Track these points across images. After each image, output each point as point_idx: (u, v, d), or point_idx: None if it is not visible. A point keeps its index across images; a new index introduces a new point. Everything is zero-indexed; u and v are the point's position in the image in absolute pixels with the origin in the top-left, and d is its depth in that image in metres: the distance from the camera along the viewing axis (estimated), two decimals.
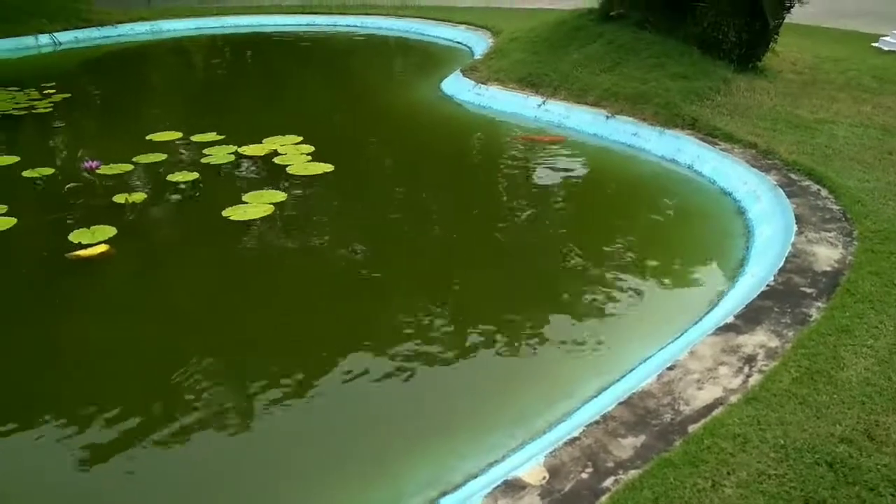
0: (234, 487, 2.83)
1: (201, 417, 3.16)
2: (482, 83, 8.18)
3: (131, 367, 3.56)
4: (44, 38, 11.80)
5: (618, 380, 3.23)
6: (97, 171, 5.69)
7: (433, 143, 7.12)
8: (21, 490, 2.84)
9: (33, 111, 7.90)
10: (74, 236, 4.73)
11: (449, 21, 12.51)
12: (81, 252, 4.57)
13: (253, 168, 6.15)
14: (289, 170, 5.98)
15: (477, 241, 4.95)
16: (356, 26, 13.18)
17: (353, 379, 3.43)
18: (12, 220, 5.02)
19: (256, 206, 5.24)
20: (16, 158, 6.27)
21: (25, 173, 5.92)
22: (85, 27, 12.35)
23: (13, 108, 7.96)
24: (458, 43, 11.36)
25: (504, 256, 4.71)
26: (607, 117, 6.81)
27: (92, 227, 4.84)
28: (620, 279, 4.26)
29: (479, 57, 9.47)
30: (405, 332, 3.77)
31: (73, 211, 5.24)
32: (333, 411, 3.27)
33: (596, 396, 3.12)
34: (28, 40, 11.66)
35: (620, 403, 2.90)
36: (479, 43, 10.63)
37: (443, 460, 2.89)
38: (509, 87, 7.92)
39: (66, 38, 11.98)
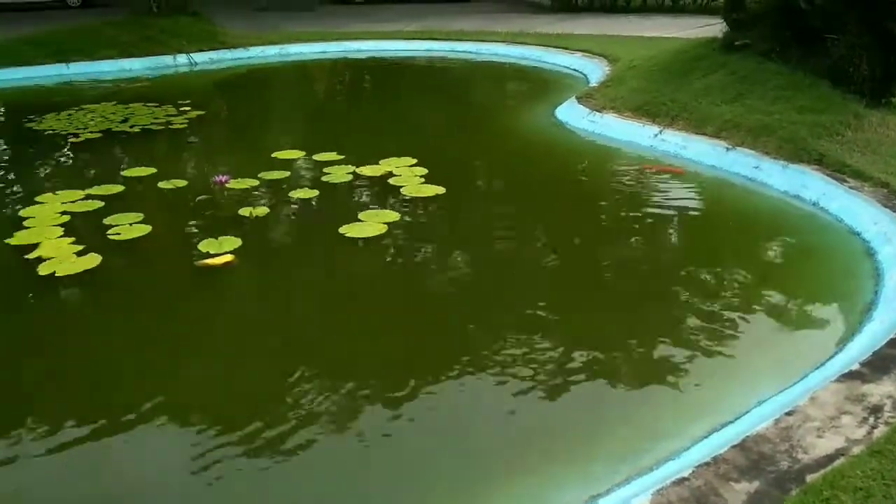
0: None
1: (304, 427, 3.27)
2: (597, 111, 8.13)
3: (247, 372, 3.74)
4: (182, 59, 12.62)
5: (731, 421, 3.12)
6: (226, 185, 6.02)
7: (545, 169, 7.12)
8: (136, 485, 3.02)
9: (170, 126, 8.44)
10: (203, 245, 5.02)
11: (566, 48, 12.52)
12: (208, 261, 4.84)
13: (369, 188, 6.34)
14: (403, 191, 6.13)
15: (585, 269, 4.91)
16: (473, 52, 13.38)
17: (453, 402, 3.47)
18: (147, 228, 5.39)
19: (371, 224, 5.40)
20: (153, 170, 6.73)
21: (161, 184, 6.34)
22: (220, 49, 13.12)
23: (152, 123, 8.54)
24: (574, 70, 11.34)
25: (612, 286, 4.65)
26: (727, 149, 6.62)
27: (219, 238, 5.12)
28: (736, 317, 4.12)
29: (594, 84, 9.43)
30: (507, 357, 3.78)
31: (203, 221, 5.57)
32: (431, 433, 3.31)
33: (707, 437, 3.03)
34: (167, 60, 12.50)
35: (734, 446, 2.80)
36: (595, 70, 10.57)
37: (544, 492, 2.87)
38: (625, 116, 7.84)
39: (202, 58, 12.76)
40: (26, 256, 4.87)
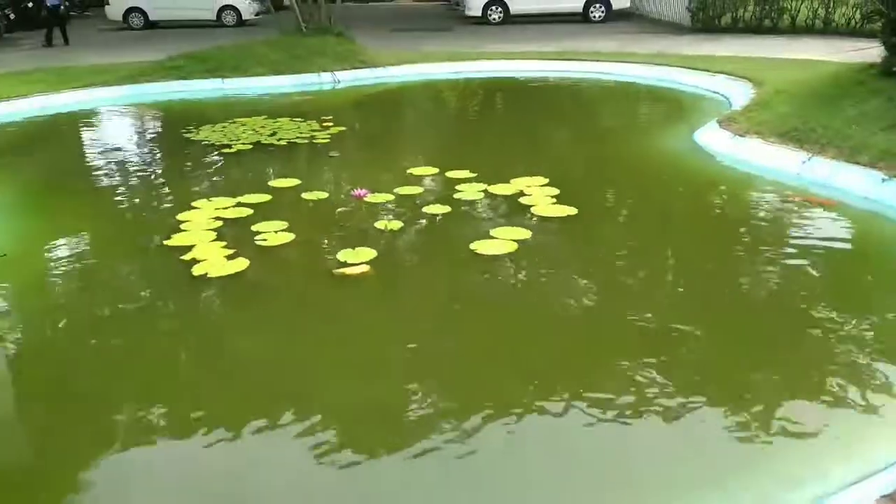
0: None
1: (424, 436, 3.34)
2: (740, 135, 7.85)
3: (373, 376, 3.87)
4: (326, 76, 13.26)
5: (881, 470, 2.92)
6: (364, 199, 6.26)
7: (682, 194, 6.94)
8: (263, 483, 3.19)
9: (313, 141, 8.88)
10: (341, 255, 5.25)
11: (707, 70, 12.15)
12: (346, 270, 5.05)
13: (500, 205, 6.41)
14: (533, 210, 6.15)
15: (719, 302, 4.72)
16: (610, 74, 13.25)
17: (570, 423, 3.43)
18: (291, 236, 5.69)
19: (502, 241, 5.46)
20: (297, 181, 7.10)
21: (304, 195, 6.68)
22: (361, 68, 13.69)
23: (297, 137, 9.01)
24: (715, 93, 10.99)
25: (747, 322, 4.42)
26: (884, 180, 6.20)
27: (356, 249, 5.33)
28: (887, 362, 3.85)
29: (737, 108, 9.10)
30: (629, 386, 3.70)
31: (342, 232, 5.82)
32: (553, 453, 3.29)
33: (855, 484, 2.85)
34: (313, 77, 13.18)
35: (884, 496, 2.62)
36: (738, 94, 10.20)
37: None
38: (770, 142, 7.51)
39: (345, 77, 13.36)
40: (182, 257, 5.26)
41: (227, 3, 23.57)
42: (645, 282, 5.09)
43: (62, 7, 20.01)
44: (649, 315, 4.49)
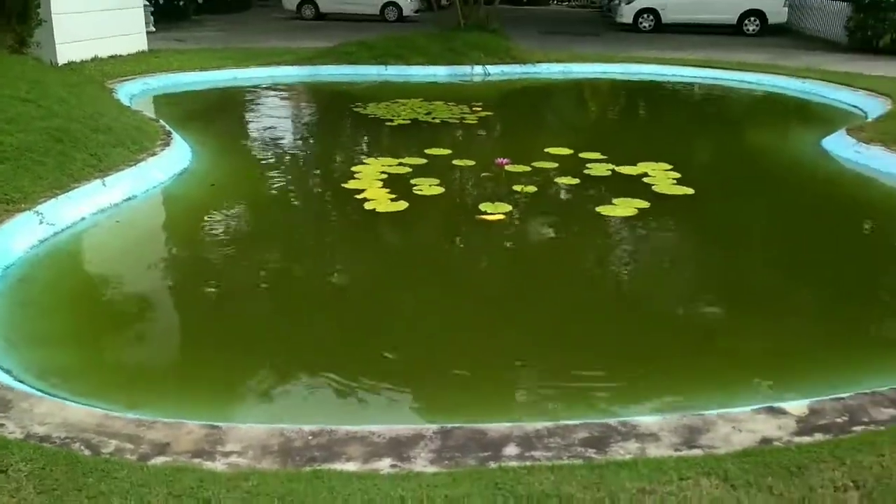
0: None
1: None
2: (864, 143, 8.23)
3: (500, 309, 4.87)
4: (478, 69, 14.39)
5: None
6: (505, 167, 7.28)
7: (797, 188, 7.48)
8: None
9: (463, 121, 10.00)
10: (483, 206, 6.30)
11: (850, 85, 12.30)
12: (485, 216, 6.10)
13: (624, 182, 7.23)
14: (654, 188, 6.95)
15: (818, 292, 5.13)
16: (751, 83, 13.60)
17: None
18: (442, 189, 6.80)
19: (623, 208, 6.35)
20: (449, 151, 8.22)
21: (454, 161, 7.78)
22: (510, 63, 14.74)
23: (449, 117, 10.16)
24: (854, 107, 11.17)
25: (853, 329, 4.56)
26: None
27: (495, 203, 6.36)
28: None
29: (869, 120, 9.40)
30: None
31: (484, 190, 6.87)
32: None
33: None
34: (466, 69, 14.33)
35: None
36: (876, 108, 10.40)
37: None
38: (893, 149, 7.88)
39: (495, 70, 14.44)
40: (356, 196, 6.50)
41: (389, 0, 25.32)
42: (743, 257, 5.79)
43: None
44: (736, 288, 5.23)
